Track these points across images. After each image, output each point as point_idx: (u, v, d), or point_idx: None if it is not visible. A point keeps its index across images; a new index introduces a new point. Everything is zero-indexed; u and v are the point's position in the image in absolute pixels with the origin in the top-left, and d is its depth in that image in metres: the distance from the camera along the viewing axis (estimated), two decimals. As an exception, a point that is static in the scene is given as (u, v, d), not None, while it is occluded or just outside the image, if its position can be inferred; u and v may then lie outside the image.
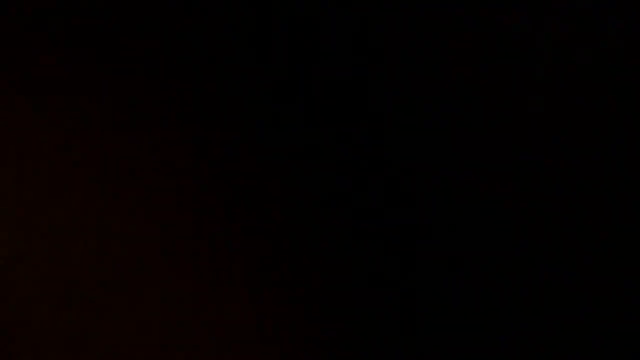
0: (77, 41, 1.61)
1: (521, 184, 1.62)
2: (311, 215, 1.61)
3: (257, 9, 1.61)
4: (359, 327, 1.59)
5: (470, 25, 1.63)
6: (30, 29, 1.60)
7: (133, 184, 1.58)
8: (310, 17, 1.65)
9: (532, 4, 1.62)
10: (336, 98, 1.64)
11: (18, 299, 1.51)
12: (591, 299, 1.60)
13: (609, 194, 1.60)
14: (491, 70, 1.63)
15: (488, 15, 1.63)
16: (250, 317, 1.56)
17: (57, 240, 1.54)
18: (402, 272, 1.61)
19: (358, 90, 1.65)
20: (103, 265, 1.54)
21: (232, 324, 1.56)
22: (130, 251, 1.56)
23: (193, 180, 1.60)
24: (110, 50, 1.62)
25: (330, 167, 1.63)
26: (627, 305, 1.59)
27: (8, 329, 1.50)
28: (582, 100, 1.62)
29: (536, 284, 1.61)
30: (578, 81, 1.62)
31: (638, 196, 1.60)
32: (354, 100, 1.64)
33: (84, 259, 1.54)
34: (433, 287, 1.61)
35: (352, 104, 1.64)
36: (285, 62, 1.64)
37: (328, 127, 1.64)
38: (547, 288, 1.61)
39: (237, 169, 1.61)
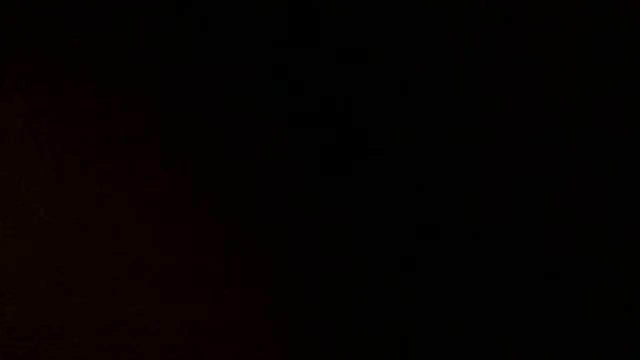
0: (76, 41, 1.61)
1: (521, 184, 1.62)
2: (312, 215, 1.62)
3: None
4: (361, 328, 1.59)
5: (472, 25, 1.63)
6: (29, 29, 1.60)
7: (133, 184, 1.58)
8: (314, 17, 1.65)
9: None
10: (338, 98, 1.64)
11: (18, 299, 1.52)
12: (591, 298, 1.60)
13: (609, 194, 1.61)
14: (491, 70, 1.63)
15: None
16: (251, 316, 1.57)
17: (57, 241, 1.54)
18: (405, 272, 1.61)
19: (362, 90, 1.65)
20: (103, 265, 1.55)
21: (232, 324, 1.56)
22: (131, 251, 1.56)
23: (193, 181, 1.60)
24: (111, 50, 1.62)
25: (331, 167, 1.63)
26: (627, 305, 1.59)
27: (8, 327, 1.51)
28: (582, 100, 1.62)
29: (536, 284, 1.61)
30: (578, 81, 1.62)
31: (638, 196, 1.60)
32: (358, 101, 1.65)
33: (83, 259, 1.54)
34: (435, 286, 1.61)
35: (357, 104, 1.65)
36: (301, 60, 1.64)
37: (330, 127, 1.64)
38: (546, 288, 1.61)
39: (236, 168, 1.61)
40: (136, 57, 1.62)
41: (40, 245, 1.54)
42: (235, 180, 1.61)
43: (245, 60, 1.65)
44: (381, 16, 1.65)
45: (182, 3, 1.64)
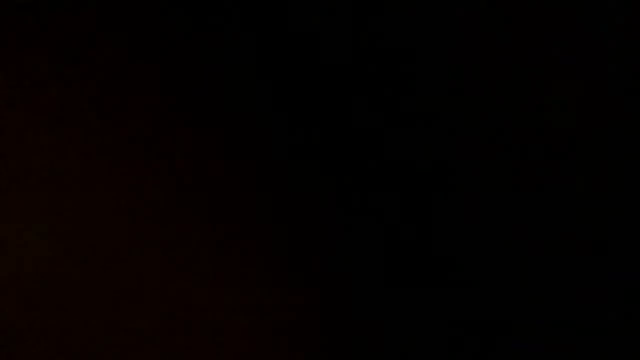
0: (75, 40, 1.61)
1: (522, 184, 1.63)
2: (312, 215, 1.62)
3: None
4: (365, 329, 1.59)
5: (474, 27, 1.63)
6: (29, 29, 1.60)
7: (133, 184, 1.58)
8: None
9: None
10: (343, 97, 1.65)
11: (18, 299, 1.52)
12: (591, 299, 1.61)
13: (610, 194, 1.61)
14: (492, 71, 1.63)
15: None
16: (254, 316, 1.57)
17: (58, 240, 1.54)
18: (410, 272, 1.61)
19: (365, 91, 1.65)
20: (103, 266, 1.55)
21: (232, 324, 1.56)
22: (131, 251, 1.56)
23: (194, 181, 1.60)
24: (112, 50, 1.62)
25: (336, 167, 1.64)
26: (627, 305, 1.60)
27: (8, 329, 1.51)
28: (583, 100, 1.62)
29: (536, 284, 1.61)
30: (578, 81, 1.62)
31: (638, 196, 1.60)
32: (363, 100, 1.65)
33: (84, 258, 1.55)
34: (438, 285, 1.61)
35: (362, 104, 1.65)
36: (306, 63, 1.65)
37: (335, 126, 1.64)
38: (547, 288, 1.61)
39: (236, 170, 1.62)
40: (136, 57, 1.62)
41: (41, 245, 1.54)
42: (236, 182, 1.61)
43: (243, 59, 1.65)
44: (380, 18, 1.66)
45: (182, 3, 1.65)
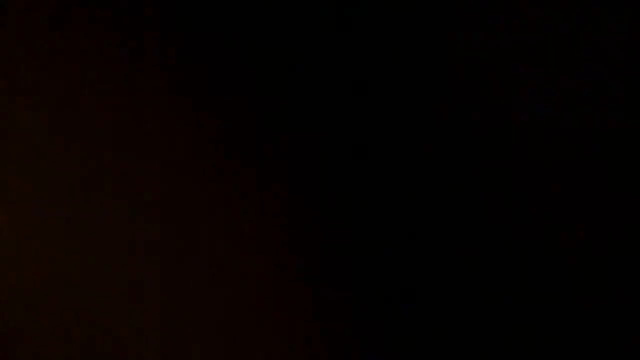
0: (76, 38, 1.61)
1: (522, 184, 1.62)
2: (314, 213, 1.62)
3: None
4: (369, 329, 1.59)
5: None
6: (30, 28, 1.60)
7: (133, 185, 1.58)
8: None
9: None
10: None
11: (18, 299, 1.52)
12: (591, 299, 1.60)
13: (609, 194, 1.61)
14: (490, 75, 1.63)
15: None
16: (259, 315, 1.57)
17: (57, 241, 1.54)
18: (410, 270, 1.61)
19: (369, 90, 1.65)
20: (103, 266, 1.55)
21: (233, 324, 1.56)
22: (132, 252, 1.56)
23: (194, 181, 1.60)
24: (112, 50, 1.62)
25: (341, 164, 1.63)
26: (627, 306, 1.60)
27: (8, 330, 1.51)
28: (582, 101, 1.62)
29: (536, 284, 1.61)
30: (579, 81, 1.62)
31: (638, 196, 1.60)
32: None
33: (83, 259, 1.55)
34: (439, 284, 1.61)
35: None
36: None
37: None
38: (546, 288, 1.61)
39: (236, 167, 1.61)
40: (139, 54, 1.62)
41: (41, 245, 1.54)
42: (236, 182, 1.61)
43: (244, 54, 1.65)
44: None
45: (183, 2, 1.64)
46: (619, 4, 1.60)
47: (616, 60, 1.61)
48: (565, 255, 1.61)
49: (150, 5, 1.62)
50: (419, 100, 1.64)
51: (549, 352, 1.60)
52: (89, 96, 1.59)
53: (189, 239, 1.58)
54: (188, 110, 1.62)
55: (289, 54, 1.65)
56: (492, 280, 1.61)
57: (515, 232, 1.62)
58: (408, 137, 1.63)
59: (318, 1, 1.65)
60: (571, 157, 1.61)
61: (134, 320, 1.53)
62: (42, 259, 1.53)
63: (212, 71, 1.63)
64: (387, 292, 1.60)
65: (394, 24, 1.65)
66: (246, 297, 1.57)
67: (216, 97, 1.63)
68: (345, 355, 1.58)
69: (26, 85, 1.58)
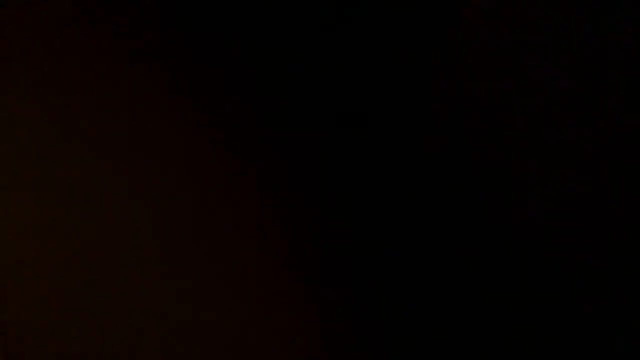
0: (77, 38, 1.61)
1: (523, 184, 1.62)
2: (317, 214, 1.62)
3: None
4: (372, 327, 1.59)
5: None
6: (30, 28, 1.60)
7: (133, 185, 1.58)
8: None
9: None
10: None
11: (18, 299, 1.51)
12: (590, 299, 1.60)
13: (610, 195, 1.61)
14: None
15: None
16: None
17: (58, 241, 1.54)
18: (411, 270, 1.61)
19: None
20: (104, 266, 1.54)
21: (233, 325, 1.56)
22: (132, 252, 1.56)
23: (194, 180, 1.60)
24: (112, 47, 1.62)
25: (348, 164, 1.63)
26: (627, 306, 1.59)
27: (8, 329, 1.50)
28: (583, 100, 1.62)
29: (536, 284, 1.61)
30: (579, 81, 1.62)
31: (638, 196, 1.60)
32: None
33: (84, 259, 1.54)
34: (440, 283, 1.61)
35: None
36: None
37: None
38: (546, 288, 1.61)
39: (240, 169, 1.61)
40: (139, 54, 1.62)
41: (41, 245, 1.54)
42: (236, 182, 1.61)
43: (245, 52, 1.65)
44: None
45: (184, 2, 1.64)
46: (618, 4, 1.60)
47: (616, 60, 1.61)
48: (565, 255, 1.61)
49: (150, 5, 1.62)
50: (419, 100, 1.64)
51: (549, 352, 1.60)
52: (89, 96, 1.59)
53: (189, 239, 1.57)
54: (188, 110, 1.61)
55: (289, 53, 1.65)
56: (492, 280, 1.61)
57: (515, 232, 1.62)
58: (408, 137, 1.63)
59: (318, 1, 1.65)
60: (571, 157, 1.61)
61: (134, 320, 1.53)
62: (42, 259, 1.53)
63: (212, 71, 1.63)
64: (387, 292, 1.60)
65: (394, 23, 1.65)
66: (246, 297, 1.57)
67: (216, 97, 1.62)
68: (345, 355, 1.57)
69: (26, 85, 1.58)
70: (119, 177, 1.57)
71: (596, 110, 1.61)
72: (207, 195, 1.59)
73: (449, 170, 1.63)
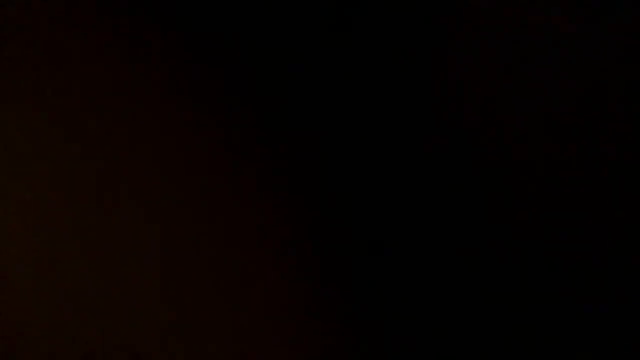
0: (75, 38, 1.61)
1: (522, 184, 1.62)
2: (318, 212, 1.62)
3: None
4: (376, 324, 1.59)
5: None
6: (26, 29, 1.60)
7: (133, 185, 1.58)
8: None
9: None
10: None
11: (18, 299, 1.51)
12: (590, 298, 1.60)
13: (609, 195, 1.61)
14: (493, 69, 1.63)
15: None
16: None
17: (58, 241, 1.54)
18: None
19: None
20: (104, 267, 1.54)
21: (233, 324, 1.56)
22: (132, 252, 1.56)
23: (195, 180, 1.60)
24: (111, 47, 1.62)
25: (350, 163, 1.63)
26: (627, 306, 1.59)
27: (8, 329, 1.50)
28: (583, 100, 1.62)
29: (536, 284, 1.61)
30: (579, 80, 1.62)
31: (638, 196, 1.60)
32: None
33: (84, 259, 1.54)
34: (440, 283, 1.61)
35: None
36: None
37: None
38: (546, 288, 1.61)
39: (241, 169, 1.61)
40: (139, 54, 1.62)
41: (40, 245, 1.54)
42: (236, 182, 1.61)
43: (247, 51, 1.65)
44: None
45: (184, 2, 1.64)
46: (618, 4, 1.60)
47: (616, 60, 1.61)
48: (565, 255, 1.61)
49: (150, 5, 1.62)
50: (419, 100, 1.64)
51: (549, 352, 1.60)
52: (89, 96, 1.59)
53: (189, 239, 1.57)
54: (188, 110, 1.62)
55: (289, 53, 1.65)
56: (492, 280, 1.61)
57: (515, 232, 1.62)
58: (408, 137, 1.63)
59: (318, 1, 1.65)
60: (571, 157, 1.61)
61: (135, 320, 1.53)
62: (42, 259, 1.53)
63: (212, 71, 1.63)
64: (386, 292, 1.60)
65: (394, 24, 1.65)
66: (246, 297, 1.57)
67: (216, 97, 1.62)
68: (346, 355, 1.57)
69: (26, 85, 1.58)
70: (119, 177, 1.57)
71: (596, 110, 1.61)
72: (207, 195, 1.59)
73: (449, 170, 1.63)
